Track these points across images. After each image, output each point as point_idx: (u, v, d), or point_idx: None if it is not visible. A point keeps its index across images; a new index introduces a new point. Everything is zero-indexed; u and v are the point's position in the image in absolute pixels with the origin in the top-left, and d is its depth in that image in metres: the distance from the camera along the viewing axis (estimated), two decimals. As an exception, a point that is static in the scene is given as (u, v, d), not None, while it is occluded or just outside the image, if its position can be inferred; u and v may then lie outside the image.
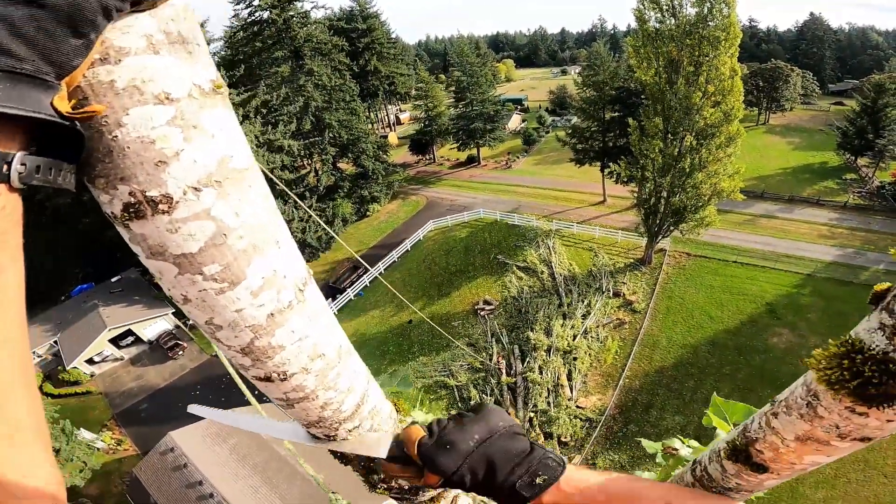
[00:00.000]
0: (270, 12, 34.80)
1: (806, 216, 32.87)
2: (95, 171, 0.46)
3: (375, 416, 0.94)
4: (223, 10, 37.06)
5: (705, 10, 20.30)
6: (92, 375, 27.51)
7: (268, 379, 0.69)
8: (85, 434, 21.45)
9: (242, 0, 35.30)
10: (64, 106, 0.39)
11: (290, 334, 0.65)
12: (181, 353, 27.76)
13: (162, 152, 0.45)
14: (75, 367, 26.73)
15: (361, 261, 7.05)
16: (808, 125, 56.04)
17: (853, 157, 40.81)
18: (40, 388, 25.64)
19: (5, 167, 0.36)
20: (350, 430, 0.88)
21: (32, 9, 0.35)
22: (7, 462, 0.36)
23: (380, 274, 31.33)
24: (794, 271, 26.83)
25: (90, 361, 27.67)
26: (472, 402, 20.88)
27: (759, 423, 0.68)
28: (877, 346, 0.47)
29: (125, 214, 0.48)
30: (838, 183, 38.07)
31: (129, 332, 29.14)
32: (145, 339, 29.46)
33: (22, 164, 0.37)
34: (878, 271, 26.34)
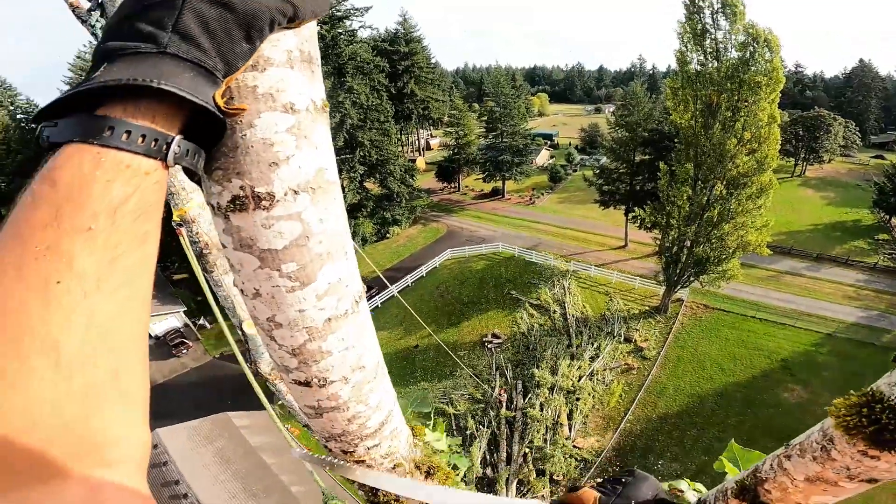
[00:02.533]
0: (321, 28, 36.37)
1: (832, 275, 31.89)
2: (217, 164, 0.52)
3: (395, 438, 0.94)
4: None
5: (748, 54, 20.24)
6: (86, 364, 28.17)
7: (307, 384, 0.71)
8: None
9: (294, 13, 37.04)
10: (220, 101, 0.46)
11: (339, 342, 0.69)
12: (185, 351, 27.94)
13: (277, 155, 0.52)
14: None
15: (383, 277, 7.44)
16: (845, 179, 54.59)
17: (888, 217, 39.46)
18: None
19: (165, 146, 0.42)
20: (369, 448, 0.88)
21: (223, 10, 0.42)
22: (117, 422, 0.39)
23: (397, 293, 31.69)
24: (814, 330, 26.07)
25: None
26: (468, 432, 20.82)
27: (771, 464, 0.74)
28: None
29: (230, 206, 0.54)
30: (870, 243, 36.79)
31: (139, 327, 29.83)
32: (151, 335, 29.52)
33: (178, 146, 0.43)
34: (902, 335, 25.37)
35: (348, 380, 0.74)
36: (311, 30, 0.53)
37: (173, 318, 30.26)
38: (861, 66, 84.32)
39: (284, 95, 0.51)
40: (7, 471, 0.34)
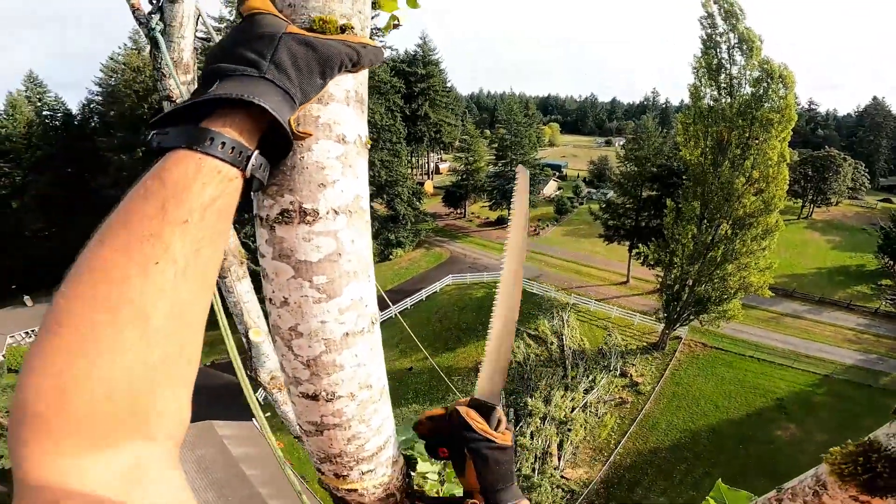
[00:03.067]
0: None
1: (833, 319, 31.74)
2: (274, 180, 0.59)
3: (390, 467, 0.91)
4: None
5: (762, 90, 20.15)
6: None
7: (314, 397, 0.72)
8: None
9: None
10: (293, 125, 0.54)
11: (352, 357, 0.71)
12: None
13: (326, 177, 0.59)
14: None
15: (385, 296, 7.68)
16: (851, 223, 54.42)
17: (892, 263, 39.25)
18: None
19: (246, 158, 0.50)
20: (364, 473, 0.86)
21: (308, 50, 0.53)
22: (172, 398, 0.45)
23: (396, 314, 31.86)
24: (811, 371, 25.96)
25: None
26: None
27: (761, 508, 0.72)
28: (893, 447, 0.53)
29: (279, 218, 0.60)
30: (873, 288, 36.52)
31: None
32: None
33: (255, 160, 0.52)
34: (897, 377, 25.17)
35: (355, 397, 0.75)
36: (365, 75, 0.65)
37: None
38: (874, 103, 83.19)
39: (339, 128, 0.60)
40: (72, 435, 0.37)
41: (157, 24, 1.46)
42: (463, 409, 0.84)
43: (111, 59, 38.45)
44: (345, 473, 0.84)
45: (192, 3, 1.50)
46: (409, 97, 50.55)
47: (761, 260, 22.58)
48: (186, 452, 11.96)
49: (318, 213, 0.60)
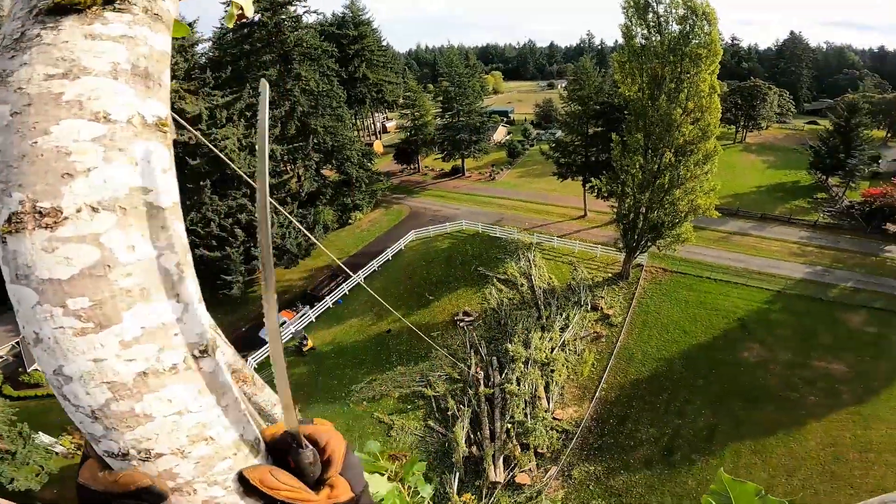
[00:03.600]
0: (262, 15, 34.58)
1: (778, 234, 33.87)
2: None
3: None
4: (215, 10, 36.71)
5: (688, 28, 20.94)
6: (55, 378, 26.94)
7: (124, 456, 0.54)
8: (43, 438, 21.03)
9: (233, 1, 34.81)
10: None
11: (164, 404, 0.54)
12: None
13: (73, 165, 0.46)
14: (37, 369, 26.07)
15: (343, 266, 7.07)
16: (783, 144, 57.82)
17: (825, 177, 42.15)
18: (0, 390, 25.22)
19: None
20: None
21: None
22: None
23: (362, 282, 31.25)
24: (765, 288, 27.61)
25: (55, 364, 27.10)
26: (450, 412, 20.95)
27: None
28: None
29: (6, 227, 0.46)
30: (809, 202, 39.34)
31: (105, 336, 28.57)
32: None
33: None
34: (845, 288, 27.30)
35: (186, 454, 0.56)
36: (151, 48, 0.54)
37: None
38: (792, 38, 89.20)
39: (97, 104, 0.48)
40: None
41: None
42: (257, 475, 0.60)
43: None
44: None
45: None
46: (344, 60, 49.34)
47: (705, 183, 23.82)
48: None
49: (61, 212, 0.46)
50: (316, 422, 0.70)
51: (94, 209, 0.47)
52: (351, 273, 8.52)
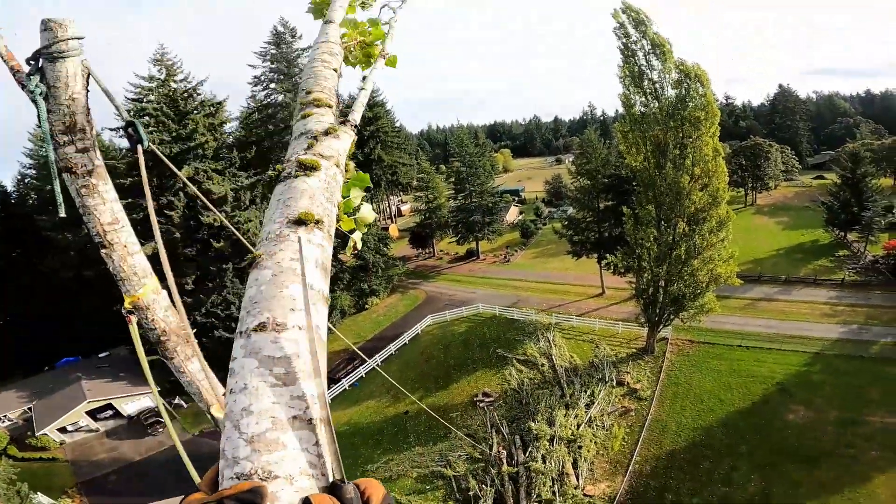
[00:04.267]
0: (285, 96, 36.69)
1: (805, 296, 32.82)
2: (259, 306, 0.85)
3: None
4: (242, 88, 39.43)
5: (683, 91, 21.73)
6: (62, 444, 27.06)
7: (248, 476, 0.72)
8: (42, 499, 21.08)
9: (260, 83, 37.50)
10: None
11: (297, 441, 0.76)
12: (161, 430, 27.29)
13: (295, 304, 0.85)
14: (45, 434, 26.49)
15: (357, 350, 7.03)
16: (794, 202, 57.66)
17: (843, 233, 41.42)
18: (4, 450, 25.39)
19: None
20: None
21: None
22: None
23: (377, 365, 30.83)
24: (801, 351, 26.36)
25: (63, 430, 27.41)
26: (471, 493, 19.62)
27: None
28: None
29: (256, 327, 0.81)
30: (832, 260, 38.34)
31: (109, 406, 28.93)
32: (125, 414, 29.06)
33: None
34: (886, 344, 25.95)
35: (293, 481, 0.70)
36: (327, 252, 1.02)
37: (148, 399, 29.61)
38: (781, 91, 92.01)
39: (309, 278, 0.90)
40: None
41: (37, 85, 1.32)
42: (323, 501, 0.71)
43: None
44: None
45: (77, 61, 1.33)
46: (360, 142, 51.00)
47: (723, 251, 23.64)
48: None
49: (285, 326, 0.81)
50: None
51: (300, 328, 0.81)
52: (366, 357, 8.58)
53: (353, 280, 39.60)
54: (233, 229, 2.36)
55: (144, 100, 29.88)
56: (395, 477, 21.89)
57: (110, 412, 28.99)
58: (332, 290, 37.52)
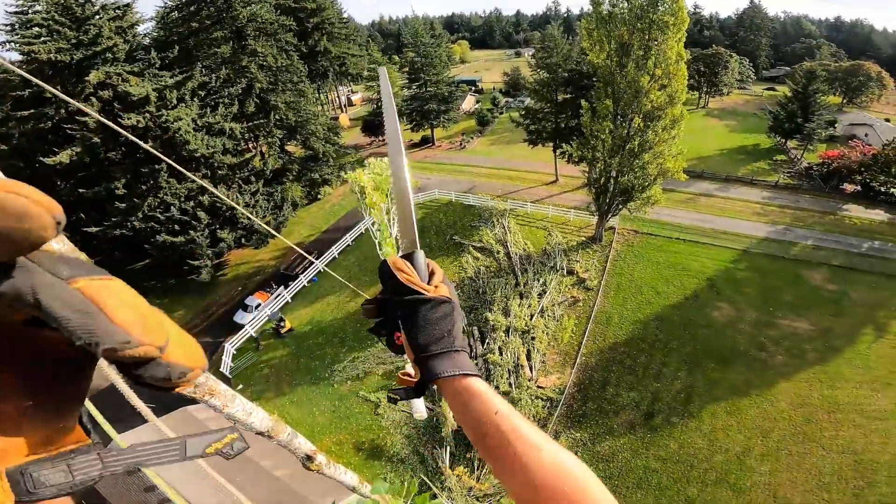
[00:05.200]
0: None
1: (741, 195, 35.01)
2: None
3: None
4: None
5: None
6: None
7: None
8: None
9: (178, -21, 32.43)
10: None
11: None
12: None
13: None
14: None
15: (304, 253, 6.83)
16: (743, 109, 59.37)
17: (783, 140, 43.57)
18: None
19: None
20: None
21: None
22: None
23: (333, 258, 30.60)
24: (730, 247, 28.60)
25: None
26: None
27: None
28: None
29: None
30: (770, 164, 40.73)
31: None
32: None
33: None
34: (805, 247, 28.57)
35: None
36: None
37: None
38: (751, 7, 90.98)
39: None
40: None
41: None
42: (391, 260, 0.82)
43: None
44: None
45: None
46: (304, 34, 46.96)
47: (673, 147, 24.38)
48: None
49: None
50: None
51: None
52: (313, 259, 8.32)
53: (302, 171, 37.91)
54: (127, 133, 1.80)
55: (30, 11, 25.84)
56: (363, 375, 22.41)
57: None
58: (280, 182, 35.85)
